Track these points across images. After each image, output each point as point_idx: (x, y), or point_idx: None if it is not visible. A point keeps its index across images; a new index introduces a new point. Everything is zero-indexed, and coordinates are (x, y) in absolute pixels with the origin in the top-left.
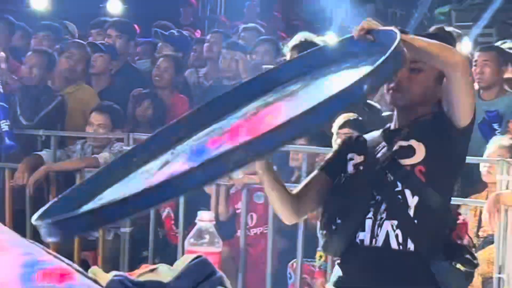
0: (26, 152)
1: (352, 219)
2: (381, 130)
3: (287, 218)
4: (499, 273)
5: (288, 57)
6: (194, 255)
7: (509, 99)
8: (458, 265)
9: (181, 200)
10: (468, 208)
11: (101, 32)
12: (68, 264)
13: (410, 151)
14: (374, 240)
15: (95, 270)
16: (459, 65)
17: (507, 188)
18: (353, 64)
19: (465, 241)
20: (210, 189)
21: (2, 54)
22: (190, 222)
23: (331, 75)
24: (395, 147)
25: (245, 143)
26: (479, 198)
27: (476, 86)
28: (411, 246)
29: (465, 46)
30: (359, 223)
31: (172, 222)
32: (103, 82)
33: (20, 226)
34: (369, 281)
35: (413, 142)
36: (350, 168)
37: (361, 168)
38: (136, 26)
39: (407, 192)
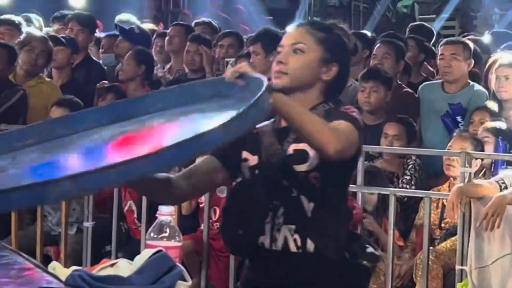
0: None
1: (253, 225)
2: (271, 122)
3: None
4: (461, 265)
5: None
6: (154, 250)
7: (473, 91)
8: (364, 262)
9: None
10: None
11: (63, 25)
12: (27, 259)
13: (304, 156)
14: (273, 244)
15: (55, 265)
16: (332, 156)
17: (469, 180)
18: (221, 106)
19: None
20: None
21: None
22: (153, 216)
23: (198, 114)
24: (290, 151)
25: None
26: (442, 191)
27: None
28: (310, 247)
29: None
30: (259, 228)
31: (135, 216)
32: (64, 76)
33: None
34: (273, 284)
35: (306, 147)
36: (246, 172)
37: (257, 172)
38: (98, 21)
39: (303, 198)
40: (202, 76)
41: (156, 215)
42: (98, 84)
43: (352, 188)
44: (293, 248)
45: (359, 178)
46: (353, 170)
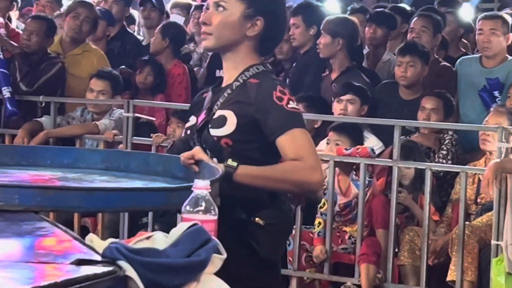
0: (26, 119)
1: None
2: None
3: None
4: (497, 240)
5: None
6: (190, 223)
7: (510, 66)
8: (257, 219)
9: None
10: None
11: None
12: (64, 231)
13: (222, 121)
14: None
15: (92, 237)
16: (318, 185)
17: (506, 156)
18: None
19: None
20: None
21: (1, 20)
22: None
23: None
24: (215, 116)
25: None
26: (478, 166)
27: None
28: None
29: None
30: None
31: None
32: (100, 48)
33: None
34: None
35: (227, 113)
36: (184, 132)
37: (188, 132)
38: None
39: (215, 160)
40: None
41: (192, 188)
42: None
43: (388, 162)
44: None
45: (395, 152)
46: (270, 149)
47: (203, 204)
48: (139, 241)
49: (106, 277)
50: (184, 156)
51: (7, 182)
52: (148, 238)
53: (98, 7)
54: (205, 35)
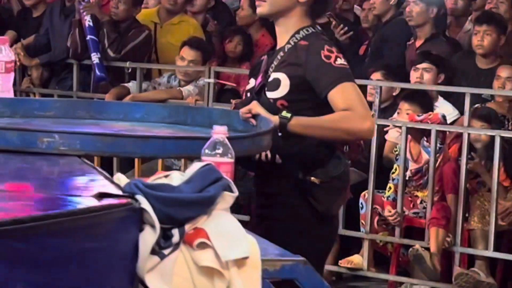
0: (114, 84)
1: None
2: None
3: None
4: None
5: None
6: (204, 163)
7: None
8: (312, 178)
9: None
10: None
11: None
12: (99, 172)
13: (276, 84)
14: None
15: (119, 176)
16: (369, 132)
17: None
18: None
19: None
20: None
21: None
22: None
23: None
24: (270, 78)
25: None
26: None
27: None
28: (279, 161)
29: None
30: None
31: None
32: (198, 21)
33: None
34: (257, 188)
35: (280, 75)
36: (244, 94)
37: (248, 94)
38: None
39: None
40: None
41: (211, 133)
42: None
43: (458, 129)
44: (264, 159)
45: (465, 119)
46: (323, 107)
47: (221, 148)
48: (158, 179)
49: (120, 208)
50: (242, 110)
51: (70, 129)
52: (166, 176)
53: None
54: (259, 1)
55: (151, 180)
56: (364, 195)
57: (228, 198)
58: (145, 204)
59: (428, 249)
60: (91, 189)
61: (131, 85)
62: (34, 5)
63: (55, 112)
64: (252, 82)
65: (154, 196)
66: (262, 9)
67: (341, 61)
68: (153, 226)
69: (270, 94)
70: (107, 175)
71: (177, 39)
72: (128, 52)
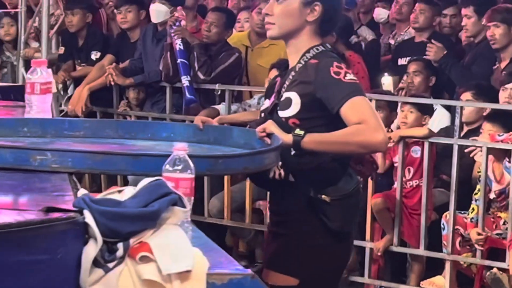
0: (204, 106)
1: None
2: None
3: None
4: None
5: None
6: (153, 179)
7: None
8: (323, 196)
9: None
10: None
11: None
12: (74, 191)
13: (288, 103)
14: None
15: (82, 191)
16: (383, 144)
17: None
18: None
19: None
20: None
21: (183, 12)
22: None
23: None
24: (282, 97)
25: None
26: None
27: None
28: (291, 179)
29: None
30: None
31: None
32: None
33: None
34: (271, 205)
35: (291, 94)
36: (259, 114)
37: (262, 115)
38: None
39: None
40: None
41: (172, 150)
42: None
43: None
44: (277, 178)
45: None
46: (335, 123)
47: (181, 164)
48: (110, 194)
49: (62, 221)
50: (257, 129)
51: (62, 147)
52: (119, 191)
53: None
54: (268, 25)
55: (102, 194)
56: (446, 216)
57: (179, 212)
58: (88, 218)
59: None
60: (46, 204)
61: (221, 107)
62: (130, 29)
63: (84, 132)
64: (266, 103)
65: (98, 211)
66: (271, 32)
67: (350, 76)
68: (96, 240)
69: (282, 113)
70: (75, 189)
71: (267, 62)
72: (218, 74)
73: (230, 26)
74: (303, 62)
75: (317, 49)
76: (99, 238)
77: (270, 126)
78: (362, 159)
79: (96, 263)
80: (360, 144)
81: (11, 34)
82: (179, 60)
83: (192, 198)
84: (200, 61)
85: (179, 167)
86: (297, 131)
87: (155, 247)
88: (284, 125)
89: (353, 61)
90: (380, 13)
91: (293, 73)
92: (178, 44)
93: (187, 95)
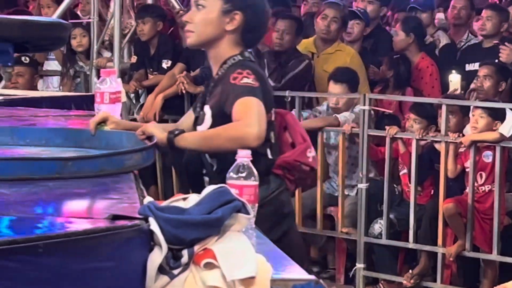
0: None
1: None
2: None
3: None
4: None
5: None
6: (217, 186)
7: None
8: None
9: (414, 155)
10: None
11: None
12: (139, 196)
13: (203, 117)
14: None
15: (148, 199)
16: (252, 140)
17: None
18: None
19: None
20: (440, 147)
21: None
22: (424, 179)
23: None
24: (201, 111)
25: None
26: None
27: None
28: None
29: None
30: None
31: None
32: (355, 48)
33: None
34: None
35: (206, 108)
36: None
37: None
38: None
39: (206, 155)
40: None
41: (235, 157)
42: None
43: None
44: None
45: None
46: None
47: (244, 171)
48: (175, 201)
49: (127, 229)
50: (137, 132)
51: None
52: (184, 199)
53: (356, 8)
54: (188, 33)
55: (167, 202)
56: None
57: (242, 219)
58: (154, 225)
59: None
60: (112, 211)
61: (291, 113)
62: (150, 41)
63: None
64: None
65: (163, 218)
66: (190, 40)
67: (247, 80)
68: (161, 247)
69: (199, 128)
70: (142, 196)
71: (333, 68)
72: (288, 81)
73: (300, 33)
74: (220, 73)
75: (234, 59)
76: (164, 245)
77: (148, 128)
78: (289, 164)
79: (161, 270)
80: (228, 138)
81: (83, 44)
82: None
83: (256, 205)
84: (271, 68)
85: (243, 174)
86: (175, 130)
87: (219, 253)
88: None
89: (424, 65)
90: (440, 17)
91: (212, 84)
92: None
93: None
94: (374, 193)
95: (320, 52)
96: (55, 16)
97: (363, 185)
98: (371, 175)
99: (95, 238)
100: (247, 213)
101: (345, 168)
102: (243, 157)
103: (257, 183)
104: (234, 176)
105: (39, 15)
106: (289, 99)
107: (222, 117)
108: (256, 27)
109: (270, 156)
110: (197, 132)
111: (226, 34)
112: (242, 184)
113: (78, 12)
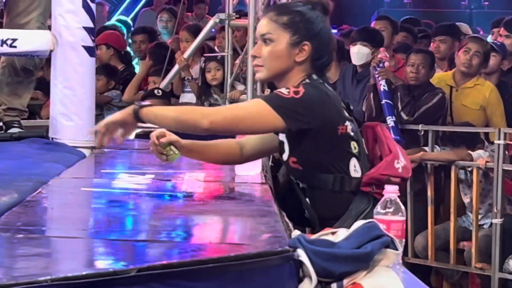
0: (408, 146)
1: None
2: None
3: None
4: None
5: None
6: (367, 221)
7: None
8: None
9: None
10: None
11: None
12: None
13: (282, 146)
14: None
15: (296, 232)
16: (206, 128)
17: None
18: None
19: None
20: None
21: (386, 54)
22: None
23: None
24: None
25: None
26: None
27: None
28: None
29: None
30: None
31: None
32: (492, 81)
33: None
34: None
35: (282, 137)
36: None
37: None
38: None
39: (299, 181)
40: None
41: (383, 193)
42: None
43: None
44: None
45: None
46: (330, 140)
47: (392, 206)
48: (324, 235)
49: (276, 256)
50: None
51: None
52: (333, 233)
53: (493, 41)
54: (257, 67)
55: (317, 235)
56: None
57: (391, 255)
58: (303, 257)
59: None
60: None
61: (426, 149)
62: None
63: None
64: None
65: (313, 251)
66: (260, 74)
67: (284, 91)
68: (311, 278)
69: (283, 157)
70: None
71: (472, 102)
72: (421, 114)
73: (433, 67)
74: None
75: (303, 82)
76: (314, 277)
77: (108, 118)
78: (376, 180)
79: None
80: (184, 121)
81: (218, 78)
82: (383, 101)
83: (404, 240)
84: (404, 101)
85: (391, 210)
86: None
87: None
88: (289, 168)
89: None
90: None
91: None
92: (383, 85)
93: (393, 135)
94: (509, 228)
95: (459, 85)
96: (190, 49)
97: (497, 220)
98: (508, 210)
99: (247, 264)
100: (395, 248)
101: (478, 203)
102: (391, 192)
103: (404, 218)
104: (382, 211)
105: (178, 49)
106: (422, 132)
107: (295, 136)
108: (324, 53)
109: (353, 175)
110: (161, 108)
111: (296, 65)
112: (390, 219)
113: (215, 48)
